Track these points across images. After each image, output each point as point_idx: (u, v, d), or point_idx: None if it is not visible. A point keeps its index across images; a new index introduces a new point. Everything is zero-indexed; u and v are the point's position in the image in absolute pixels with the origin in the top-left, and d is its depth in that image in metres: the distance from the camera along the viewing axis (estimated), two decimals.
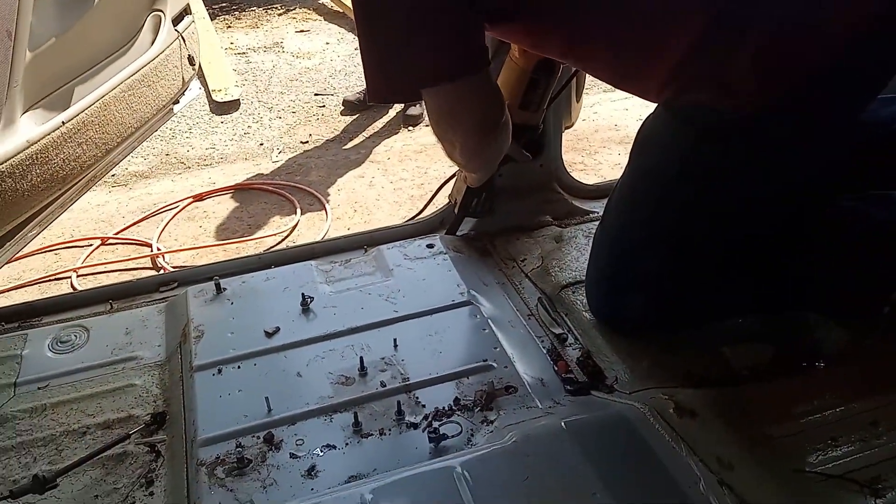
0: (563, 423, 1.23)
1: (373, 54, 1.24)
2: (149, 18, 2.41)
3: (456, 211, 1.88)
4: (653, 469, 1.15)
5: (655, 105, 1.42)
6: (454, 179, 1.91)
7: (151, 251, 3.54)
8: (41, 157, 2.00)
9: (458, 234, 1.95)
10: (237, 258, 1.95)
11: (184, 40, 2.56)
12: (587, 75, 1.79)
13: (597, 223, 1.65)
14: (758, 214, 1.38)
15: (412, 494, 1.13)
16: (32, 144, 1.96)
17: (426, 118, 4.61)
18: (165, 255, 3.49)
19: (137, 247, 3.64)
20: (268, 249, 3.07)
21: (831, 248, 1.45)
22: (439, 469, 1.17)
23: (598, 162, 4.04)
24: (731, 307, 1.52)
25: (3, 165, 1.90)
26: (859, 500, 1.12)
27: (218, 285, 1.74)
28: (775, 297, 1.48)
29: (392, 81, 1.26)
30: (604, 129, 4.29)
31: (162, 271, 3.25)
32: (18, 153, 1.92)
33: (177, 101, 2.89)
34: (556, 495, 1.10)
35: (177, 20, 2.55)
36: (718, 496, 1.10)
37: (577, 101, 2.33)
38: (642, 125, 1.50)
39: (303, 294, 1.67)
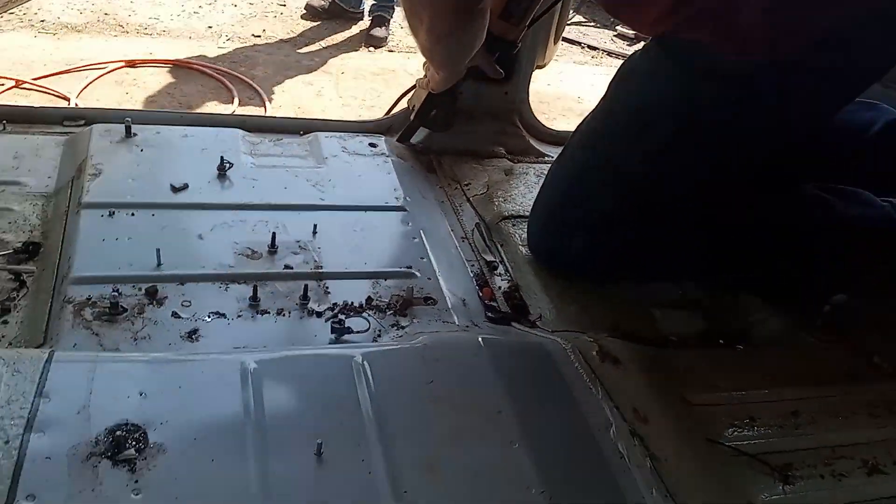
0: (479, 338, 1.12)
1: None
2: None
3: (412, 117, 1.74)
4: (565, 404, 1.06)
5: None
6: (415, 88, 1.76)
7: (68, 105, 3.25)
8: None
9: (397, 142, 1.81)
10: (157, 111, 1.76)
11: None
12: (567, 18, 1.69)
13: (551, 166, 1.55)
14: (730, 173, 1.30)
15: (301, 374, 1.00)
16: None
17: (389, 43, 4.43)
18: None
19: (54, 98, 3.33)
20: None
21: (788, 232, 1.39)
22: (337, 355, 1.04)
23: (563, 132, 3.94)
24: (674, 268, 1.44)
25: None
26: (767, 483, 1.06)
27: (128, 128, 1.55)
28: (720, 269, 1.42)
29: None
30: (567, 97, 4.18)
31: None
32: None
33: None
34: (459, 404, 1.00)
35: None
36: (628, 445, 1.02)
37: (554, 44, 2.22)
38: (626, 61, 1.40)
39: (222, 158, 1.50)
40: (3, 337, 1.11)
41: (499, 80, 1.74)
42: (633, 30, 1.35)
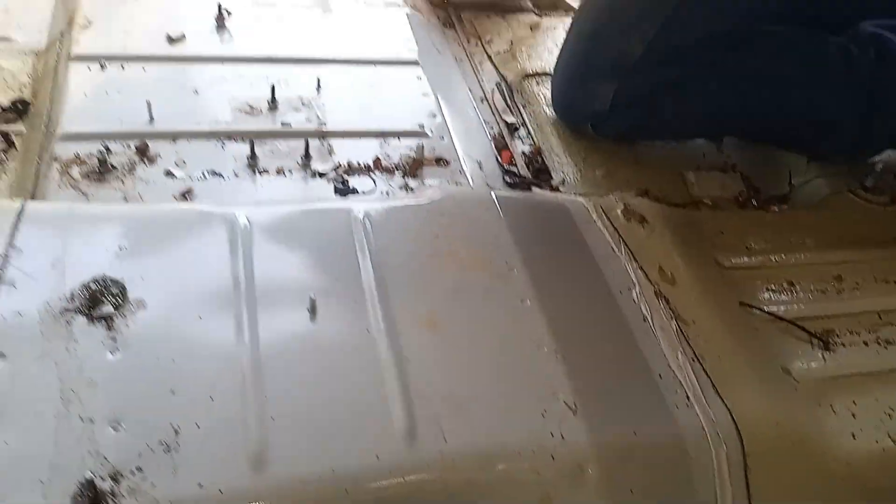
0: (492, 194, 1.03)
1: None
2: None
3: None
4: (585, 264, 0.97)
5: None
6: None
7: None
8: None
9: None
10: None
11: None
12: None
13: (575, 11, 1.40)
14: (771, 10, 1.14)
15: (296, 230, 0.92)
16: None
17: None
18: None
19: None
20: None
21: (839, 76, 1.24)
22: (335, 210, 0.95)
23: None
24: (710, 121, 1.31)
25: None
26: (805, 349, 0.97)
27: None
28: (762, 122, 1.28)
29: None
30: None
31: None
32: None
33: None
34: (466, 259, 0.91)
35: None
36: (652, 307, 0.93)
37: None
38: None
39: (219, 6, 1.38)
40: None
41: None
42: None
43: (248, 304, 0.81)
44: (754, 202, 1.26)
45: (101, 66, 1.25)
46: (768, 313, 1.00)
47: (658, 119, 1.28)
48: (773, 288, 1.06)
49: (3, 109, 1.21)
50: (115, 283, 0.79)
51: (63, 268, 0.80)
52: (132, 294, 0.79)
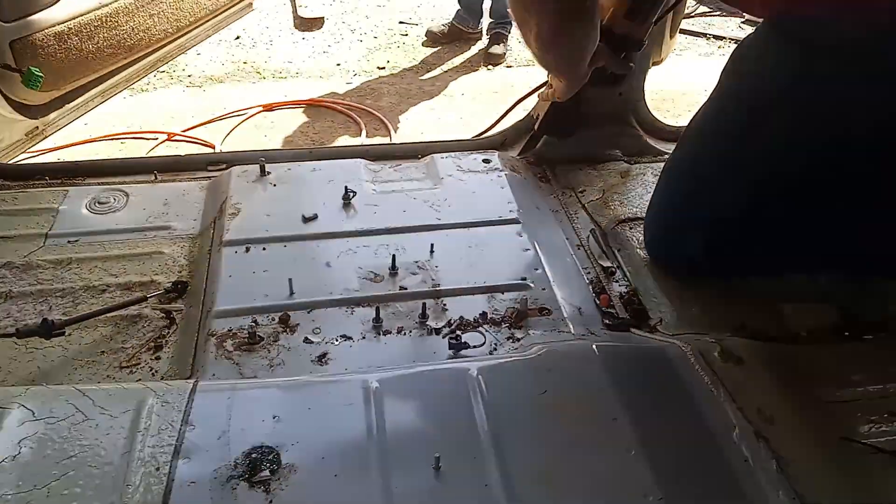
0: (594, 346, 1.13)
1: None
2: None
3: (535, 128, 1.74)
4: (685, 408, 1.04)
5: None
6: (538, 93, 1.76)
7: (213, 152, 3.53)
8: (110, 20, 1.97)
9: (518, 156, 1.83)
10: (289, 149, 1.89)
11: None
12: (683, 10, 1.63)
13: (665, 164, 1.51)
14: (856, 155, 1.22)
15: (420, 390, 1.05)
16: (103, 6, 1.94)
17: (507, 59, 4.47)
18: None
19: (201, 147, 3.63)
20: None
21: None
22: (453, 369, 1.08)
23: (682, 126, 3.82)
24: (799, 263, 1.37)
25: (72, 23, 1.87)
26: None
27: (262, 167, 1.68)
28: (851, 259, 1.33)
29: None
30: (693, 92, 4.05)
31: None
32: (88, 12, 1.90)
33: None
34: (573, 413, 1.01)
35: None
36: (752, 448, 0.99)
37: (671, 38, 2.16)
38: (738, 46, 1.35)
39: (346, 188, 1.59)
40: (156, 372, 1.23)
41: (613, 82, 1.70)
42: (747, 13, 1.29)
43: (381, 463, 0.93)
44: (851, 331, 1.29)
45: (247, 249, 1.46)
46: (871, 446, 1.03)
47: (752, 263, 1.35)
48: (874, 419, 1.09)
49: (166, 290, 1.42)
50: (271, 450, 0.94)
51: (228, 439, 0.95)
52: (285, 459, 0.93)
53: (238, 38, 4.70)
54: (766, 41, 1.25)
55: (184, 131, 3.71)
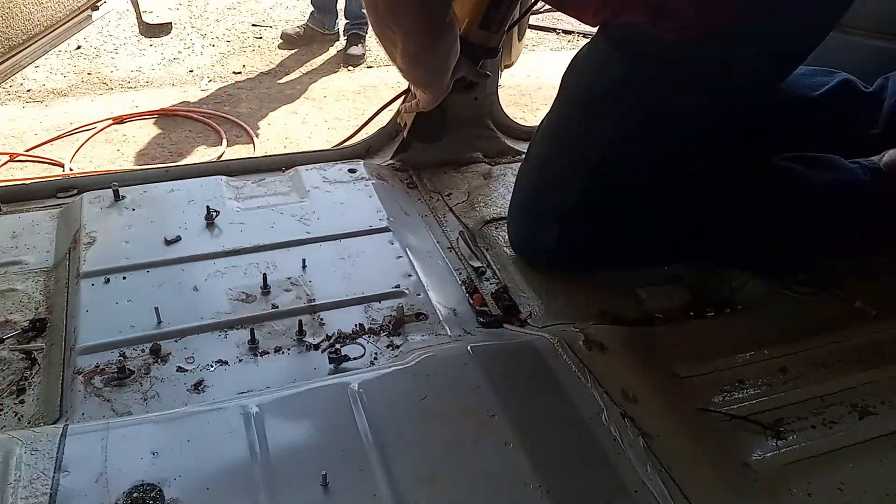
0: (468, 347, 1.18)
1: None
2: None
3: (405, 135, 1.78)
4: (556, 397, 1.11)
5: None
6: (402, 101, 1.79)
7: (64, 171, 3.33)
8: None
9: (391, 160, 1.86)
10: (142, 168, 1.83)
11: None
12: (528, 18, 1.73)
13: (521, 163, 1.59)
14: (685, 153, 1.33)
15: (301, 410, 1.06)
16: None
17: (366, 59, 4.48)
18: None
19: (49, 166, 3.42)
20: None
21: (762, 206, 1.42)
22: (333, 385, 1.10)
23: (539, 119, 3.97)
24: (650, 252, 1.48)
25: None
26: (760, 441, 1.11)
27: (116, 192, 1.61)
28: (697, 249, 1.45)
29: None
30: (547, 86, 4.22)
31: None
32: None
33: (96, 8, 2.70)
34: (453, 414, 1.05)
35: None
36: (620, 427, 1.07)
37: (519, 42, 2.25)
38: (575, 55, 1.44)
39: (208, 207, 1.56)
40: (21, 417, 1.17)
41: (467, 88, 1.77)
42: (582, 22, 1.38)
43: (268, 487, 0.93)
44: (702, 310, 1.40)
45: (108, 280, 1.40)
46: (724, 413, 1.14)
47: (604, 254, 1.45)
48: (726, 388, 1.20)
49: (24, 330, 1.35)
50: (153, 487, 0.92)
51: (106, 481, 0.92)
52: (169, 494, 0.92)
53: (79, 47, 4.45)
54: (599, 48, 1.34)
55: (28, 150, 3.49)
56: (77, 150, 3.49)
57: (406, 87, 1.73)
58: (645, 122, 1.31)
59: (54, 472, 0.92)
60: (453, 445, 1.01)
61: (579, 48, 1.45)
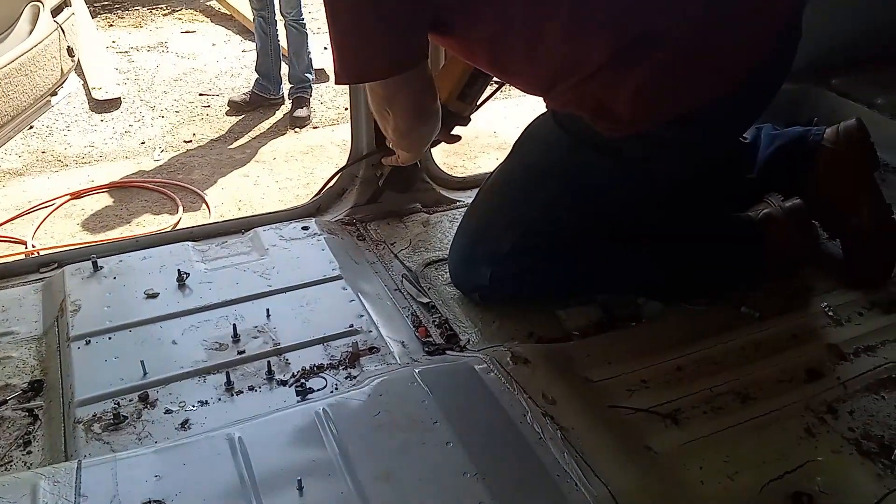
0: (415, 371, 1.39)
1: (336, 44, 1.34)
2: (27, 8, 2.43)
3: (380, 184, 2.04)
4: (488, 404, 1.33)
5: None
6: (382, 159, 1.99)
7: (26, 248, 3.48)
8: None
9: (332, 219, 2.09)
10: (115, 240, 2.02)
11: (63, 31, 2.59)
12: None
13: (462, 210, 1.85)
14: (606, 221, 1.61)
15: (277, 432, 1.26)
16: None
17: (312, 121, 4.73)
18: (41, 253, 3.44)
19: (11, 244, 3.57)
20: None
21: (660, 255, 1.70)
22: (302, 409, 1.31)
23: (478, 166, 4.26)
24: (566, 290, 1.73)
25: None
26: (660, 428, 1.34)
27: (95, 263, 1.80)
28: (606, 287, 1.72)
29: (351, 72, 1.37)
30: (483, 135, 4.52)
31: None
32: None
33: (55, 94, 2.91)
34: (402, 424, 1.27)
35: (56, 11, 2.57)
36: (541, 424, 1.29)
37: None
38: (529, 125, 1.70)
39: (178, 270, 1.76)
40: (31, 466, 1.34)
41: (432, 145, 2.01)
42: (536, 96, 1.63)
43: (254, 495, 1.13)
44: (612, 325, 1.65)
45: (96, 341, 1.59)
46: (630, 408, 1.37)
47: (525, 291, 1.71)
48: (632, 388, 1.44)
49: (23, 391, 1.52)
50: (160, 502, 1.11)
51: (120, 500, 1.11)
52: None
53: (31, 127, 4.61)
54: (547, 125, 1.60)
55: None
56: (38, 227, 3.64)
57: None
58: (580, 197, 1.57)
59: (76, 497, 1.11)
60: (404, 448, 1.22)
61: (532, 119, 1.69)
